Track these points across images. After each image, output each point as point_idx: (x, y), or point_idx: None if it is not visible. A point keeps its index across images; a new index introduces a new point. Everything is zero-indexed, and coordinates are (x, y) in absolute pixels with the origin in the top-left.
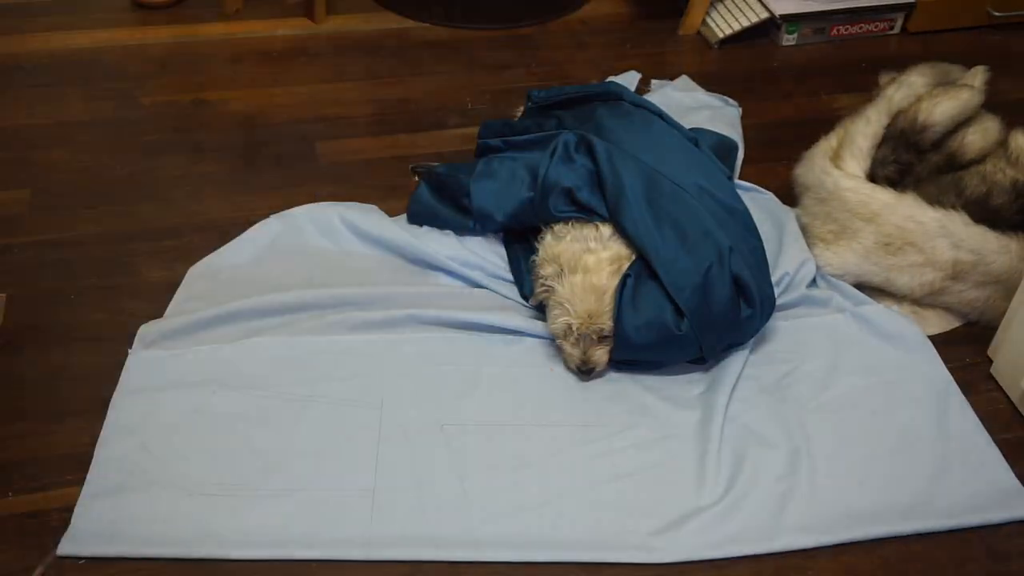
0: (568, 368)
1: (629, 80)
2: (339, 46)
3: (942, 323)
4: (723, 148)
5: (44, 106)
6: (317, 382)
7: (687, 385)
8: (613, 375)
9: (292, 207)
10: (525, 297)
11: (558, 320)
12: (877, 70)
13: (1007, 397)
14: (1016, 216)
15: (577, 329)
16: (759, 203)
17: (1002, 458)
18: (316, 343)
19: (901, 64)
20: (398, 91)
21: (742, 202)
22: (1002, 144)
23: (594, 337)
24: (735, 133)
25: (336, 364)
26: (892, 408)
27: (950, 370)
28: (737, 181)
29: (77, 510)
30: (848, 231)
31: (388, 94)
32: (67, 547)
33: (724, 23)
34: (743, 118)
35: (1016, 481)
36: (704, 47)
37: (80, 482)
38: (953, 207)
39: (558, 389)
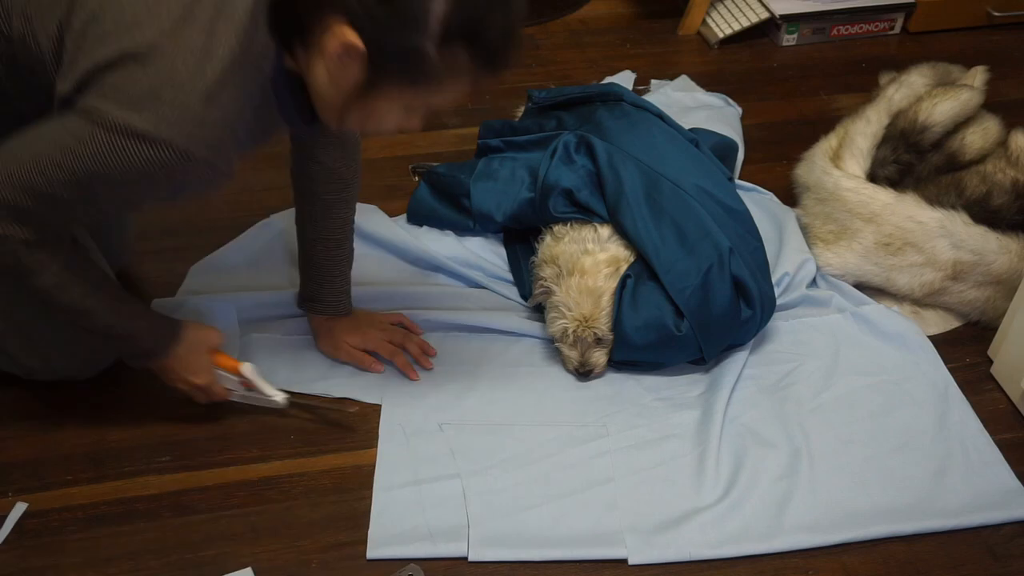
0: (567, 369)
1: (624, 80)
2: None
3: (942, 323)
4: (723, 148)
5: None
6: (316, 381)
7: (687, 385)
8: (613, 375)
9: (292, 207)
10: (525, 297)
11: (555, 323)
12: (877, 70)
13: (1007, 397)
14: (1016, 216)
15: (574, 332)
16: (759, 203)
17: (1002, 458)
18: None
19: (901, 64)
20: None
21: (742, 203)
22: (1002, 144)
23: (591, 340)
24: (735, 133)
25: (335, 363)
26: (892, 408)
27: (950, 370)
28: (737, 181)
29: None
30: (848, 231)
31: None
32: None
33: (724, 23)
34: (743, 118)
35: (1016, 481)
36: (704, 47)
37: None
38: (953, 207)
39: (557, 389)
